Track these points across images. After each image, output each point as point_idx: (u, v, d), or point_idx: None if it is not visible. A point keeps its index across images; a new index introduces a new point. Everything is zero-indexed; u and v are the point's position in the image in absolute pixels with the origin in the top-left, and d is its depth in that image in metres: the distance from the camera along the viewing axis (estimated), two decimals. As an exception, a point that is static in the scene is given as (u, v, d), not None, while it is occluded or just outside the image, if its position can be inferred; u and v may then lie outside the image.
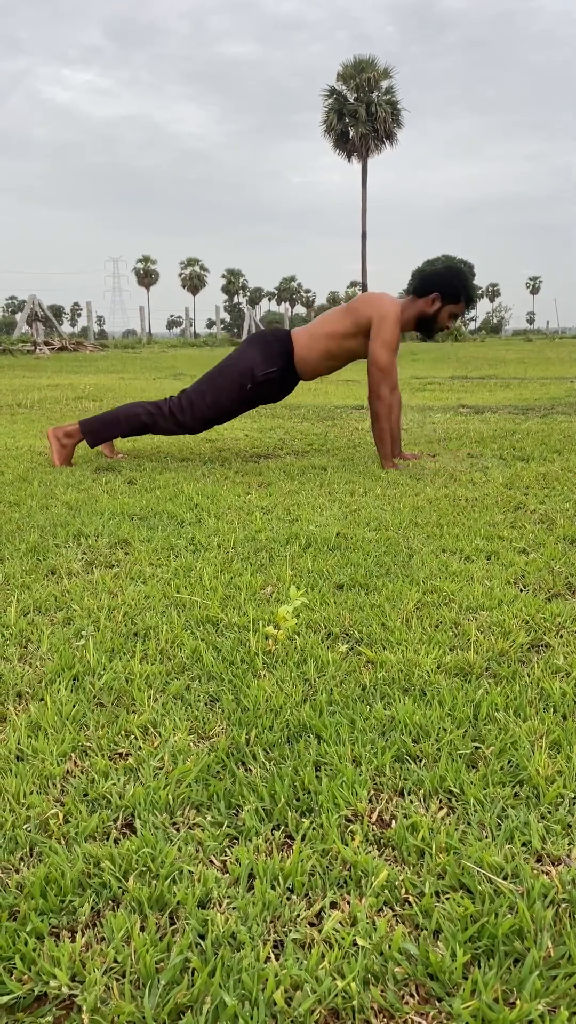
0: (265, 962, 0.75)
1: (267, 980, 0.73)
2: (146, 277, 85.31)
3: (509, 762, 1.09)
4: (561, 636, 1.53)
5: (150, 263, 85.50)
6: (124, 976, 0.74)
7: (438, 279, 3.42)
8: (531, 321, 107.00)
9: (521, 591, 1.79)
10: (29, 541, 2.19)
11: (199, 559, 2.03)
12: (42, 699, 1.28)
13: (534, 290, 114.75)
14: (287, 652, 1.45)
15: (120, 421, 3.48)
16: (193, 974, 0.74)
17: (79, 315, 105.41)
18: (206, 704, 1.27)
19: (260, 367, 3.46)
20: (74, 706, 1.25)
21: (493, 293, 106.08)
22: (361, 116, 38.93)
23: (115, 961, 0.76)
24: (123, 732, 1.18)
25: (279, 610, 1.48)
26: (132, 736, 1.17)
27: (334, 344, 3.46)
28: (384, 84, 39.23)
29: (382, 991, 0.73)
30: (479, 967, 0.76)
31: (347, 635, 1.55)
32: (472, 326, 70.67)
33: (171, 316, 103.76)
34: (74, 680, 1.35)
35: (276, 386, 3.56)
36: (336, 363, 3.55)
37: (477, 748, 1.13)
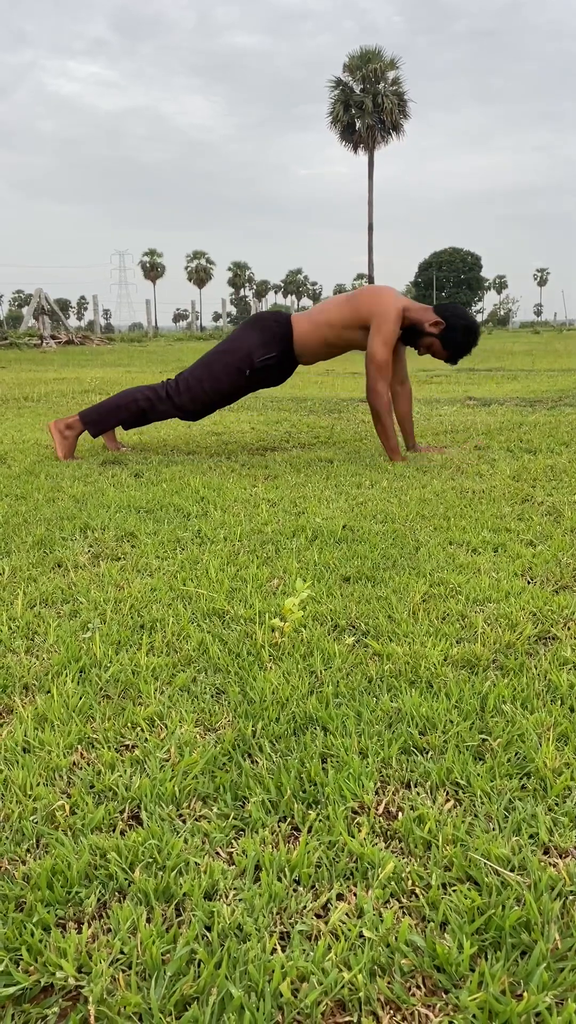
0: (271, 954, 0.75)
1: (273, 972, 0.73)
2: (152, 270, 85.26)
3: (516, 754, 1.09)
4: (568, 628, 1.53)
5: (156, 256, 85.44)
6: (130, 967, 0.74)
7: (457, 320, 3.42)
8: (539, 313, 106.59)
9: (528, 583, 1.79)
10: (36, 534, 2.19)
11: (205, 552, 2.03)
12: (49, 691, 1.28)
13: (542, 282, 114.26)
14: (293, 644, 1.45)
15: (119, 408, 3.48)
16: (199, 965, 0.74)
17: (85, 309, 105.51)
18: (212, 696, 1.27)
19: (259, 352, 3.44)
20: (80, 698, 1.25)
21: (500, 285, 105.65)
22: (367, 107, 38.77)
23: (121, 952, 0.76)
24: (129, 724, 1.18)
25: (285, 602, 1.48)
26: (138, 728, 1.17)
27: (332, 334, 3.45)
28: (391, 75, 39.05)
29: (389, 983, 0.73)
30: (486, 959, 0.75)
31: (353, 627, 1.55)
32: (480, 318, 70.44)
33: (177, 309, 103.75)
34: (80, 672, 1.35)
35: (275, 371, 3.55)
36: (335, 351, 3.55)
37: (484, 740, 1.13)
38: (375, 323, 3.34)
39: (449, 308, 3.46)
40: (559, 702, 1.23)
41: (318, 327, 3.44)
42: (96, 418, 3.48)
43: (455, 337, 3.42)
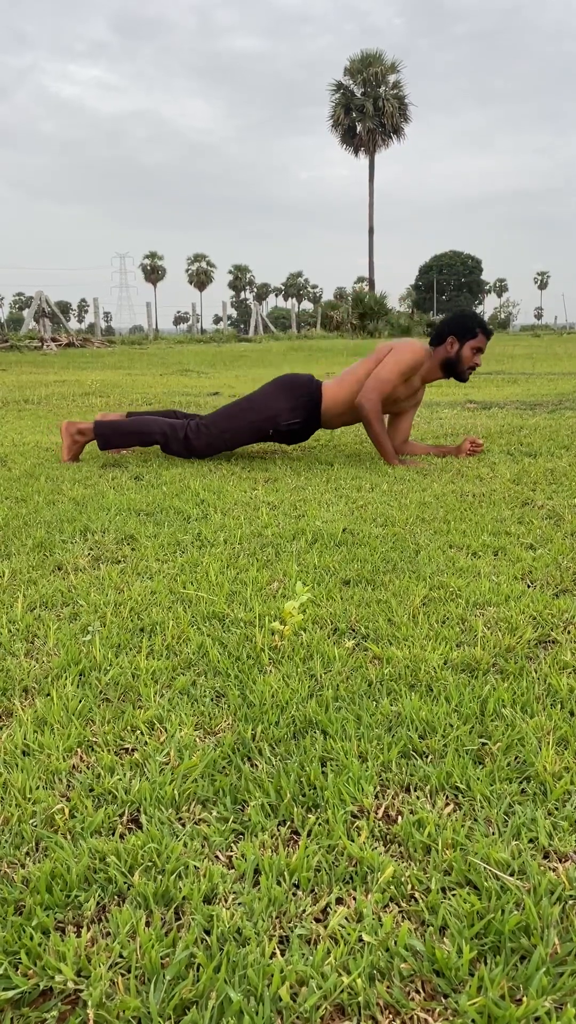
0: (271, 958, 0.75)
1: (272, 976, 0.73)
2: (153, 273, 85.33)
3: (516, 758, 1.09)
4: (568, 632, 1.53)
5: (157, 259, 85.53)
6: (129, 971, 0.74)
7: (449, 323, 3.52)
8: (539, 316, 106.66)
9: (528, 587, 1.79)
10: (36, 537, 2.19)
11: (205, 555, 2.03)
12: (48, 694, 1.28)
13: (542, 285, 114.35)
14: (293, 648, 1.45)
15: (135, 434, 3.49)
16: (198, 969, 0.74)
17: (86, 311, 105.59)
18: (212, 700, 1.27)
19: (285, 417, 3.49)
20: (80, 701, 1.25)
21: (501, 288, 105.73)
22: (368, 111, 38.83)
23: (120, 956, 0.76)
24: (129, 727, 1.18)
25: (285, 605, 1.48)
26: (138, 731, 1.17)
27: (359, 389, 3.47)
28: (391, 78, 39.11)
29: (388, 987, 0.73)
30: (485, 964, 0.75)
31: (353, 631, 1.55)
32: (480, 321, 70.45)
33: (178, 312, 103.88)
34: (80, 675, 1.35)
35: (296, 435, 3.62)
36: (356, 419, 3.59)
37: (484, 744, 1.12)
38: (392, 353, 3.42)
39: (437, 330, 3.54)
40: (559, 706, 1.23)
41: (346, 387, 3.48)
42: (110, 435, 3.47)
43: (467, 326, 3.47)
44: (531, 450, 3.64)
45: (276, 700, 1.25)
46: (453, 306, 74.39)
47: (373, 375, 3.39)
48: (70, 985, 0.73)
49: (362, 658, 1.41)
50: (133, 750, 1.13)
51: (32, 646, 1.48)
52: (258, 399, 3.54)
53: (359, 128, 39.54)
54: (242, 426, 3.49)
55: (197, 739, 1.15)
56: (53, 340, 18.42)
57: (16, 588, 1.79)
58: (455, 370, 3.52)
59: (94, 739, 1.15)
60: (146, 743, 1.13)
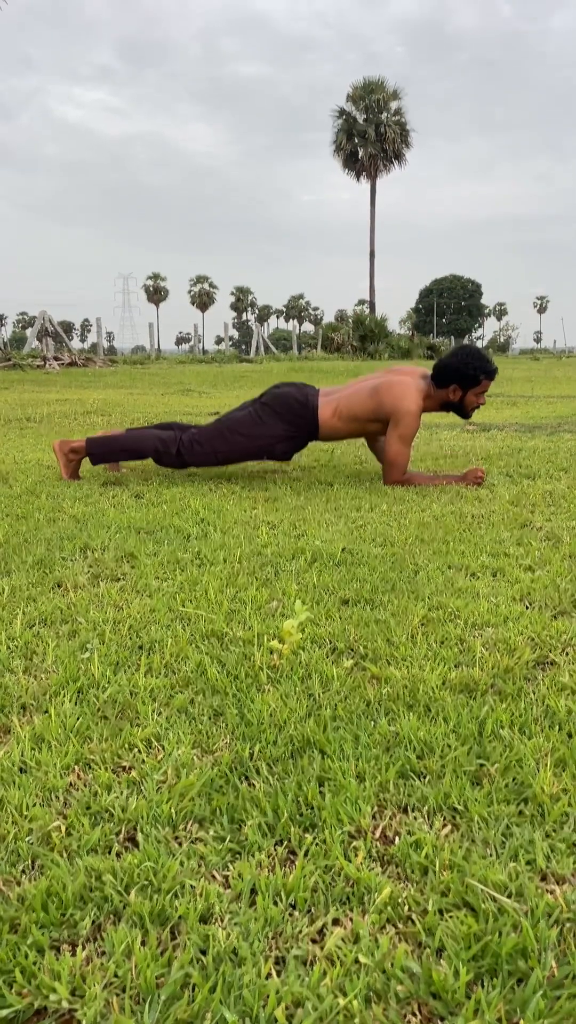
0: (266, 978, 0.75)
1: (268, 997, 0.72)
2: (156, 294, 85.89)
3: (514, 780, 1.09)
4: (567, 654, 1.53)
5: (160, 280, 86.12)
6: (124, 991, 0.74)
7: (453, 371, 3.41)
8: (538, 340, 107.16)
9: (527, 608, 1.79)
10: (36, 554, 2.19)
11: (205, 573, 2.03)
12: (46, 711, 1.28)
13: (541, 309, 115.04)
14: (292, 667, 1.45)
15: (127, 450, 3.50)
16: (194, 989, 0.74)
17: (89, 331, 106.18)
18: (210, 718, 1.27)
19: (280, 442, 3.48)
20: (78, 719, 1.25)
21: (500, 312, 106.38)
22: (370, 137, 39.25)
23: (115, 976, 0.75)
24: (127, 745, 1.18)
25: (284, 624, 1.48)
26: (136, 749, 1.17)
27: (358, 427, 3.50)
28: (393, 105, 39.56)
29: (384, 1009, 0.72)
30: (482, 986, 0.75)
31: (352, 650, 1.55)
32: (479, 345, 70.98)
33: (180, 333, 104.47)
34: (78, 693, 1.35)
35: (290, 453, 3.62)
36: (358, 436, 3.62)
37: (482, 765, 1.12)
38: (394, 420, 3.38)
39: (440, 374, 3.44)
40: (557, 728, 1.23)
41: (345, 422, 3.47)
42: (103, 450, 3.48)
43: (471, 375, 3.39)
44: (530, 472, 3.65)
45: (274, 719, 1.25)
46: (453, 329, 74.78)
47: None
48: (65, 1004, 0.73)
49: (360, 678, 1.41)
50: (131, 768, 1.12)
51: (31, 663, 1.48)
52: (254, 424, 3.47)
53: (361, 153, 39.94)
54: (236, 448, 3.49)
55: (195, 757, 1.14)
56: (55, 359, 18.50)
57: (16, 605, 1.79)
58: (458, 411, 3.51)
59: (92, 757, 1.14)
60: (144, 761, 1.13)
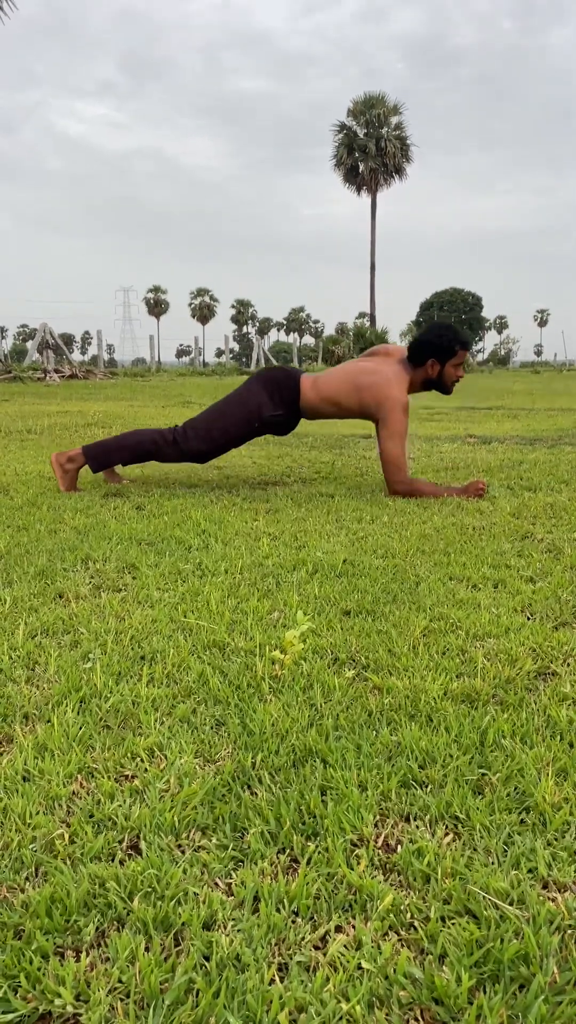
0: (270, 984, 0.75)
1: (271, 1002, 0.73)
2: (156, 307, 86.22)
3: (515, 789, 1.09)
4: (568, 664, 1.53)
5: (160, 293, 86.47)
6: (128, 996, 0.74)
7: (427, 345, 3.48)
8: (539, 353, 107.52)
9: (528, 619, 1.79)
10: (37, 565, 2.20)
11: (206, 584, 2.04)
12: (49, 721, 1.28)
13: (542, 322, 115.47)
14: (293, 677, 1.45)
15: (124, 448, 3.53)
16: (198, 995, 0.74)
17: (89, 343, 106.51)
18: (212, 728, 1.28)
19: (267, 408, 3.56)
20: (80, 728, 1.25)
21: (501, 325, 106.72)
22: (371, 151, 39.51)
23: (120, 981, 0.76)
24: (129, 754, 1.18)
25: (286, 635, 1.48)
26: (138, 758, 1.17)
27: (335, 409, 3.56)
28: (393, 120, 39.85)
29: (387, 1014, 0.73)
30: (484, 992, 0.75)
31: (354, 661, 1.55)
32: (480, 357, 71.09)
33: (180, 345, 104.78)
34: (81, 702, 1.35)
35: (282, 425, 3.69)
36: (339, 416, 3.65)
37: (483, 774, 1.13)
38: (380, 417, 3.43)
39: (416, 351, 3.50)
40: (558, 737, 1.23)
41: (325, 399, 3.53)
42: (99, 455, 3.51)
43: (446, 347, 3.45)
44: (531, 484, 3.66)
45: (276, 729, 1.25)
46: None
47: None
48: (69, 1009, 0.73)
49: (362, 688, 1.42)
50: (133, 777, 1.13)
51: (33, 673, 1.48)
52: (242, 393, 3.61)
53: (362, 168, 40.20)
54: (228, 420, 3.55)
55: (197, 767, 1.15)
56: (56, 371, 18.55)
57: (17, 615, 1.79)
58: (438, 387, 3.55)
59: (94, 765, 1.15)
60: (146, 770, 1.14)
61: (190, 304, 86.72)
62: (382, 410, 3.42)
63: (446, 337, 3.48)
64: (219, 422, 3.55)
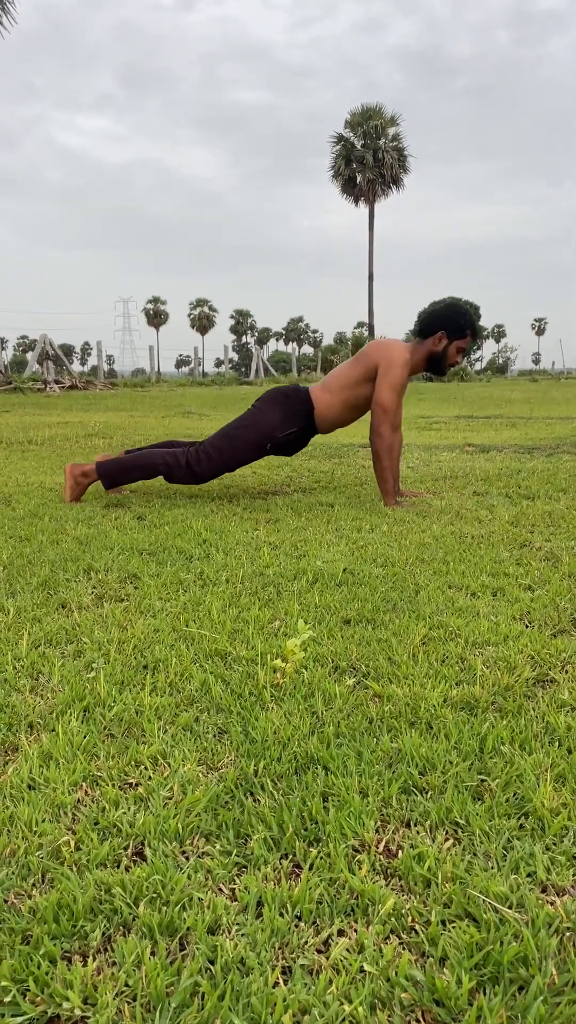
0: (274, 987, 0.77)
1: (275, 1004, 0.74)
2: (156, 317, 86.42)
3: (515, 794, 1.11)
4: (566, 671, 1.55)
5: (160, 303, 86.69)
6: (135, 999, 0.76)
7: (442, 317, 3.54)
8: (537, 362, 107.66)
9: (527, 627, 1.81)
10: (40, 575, 2.22)
11: (208, 593, 2.06)
12: (53, 729, 1.30)
13: (540, 331, 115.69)
14: (295, 685, 1.47)
15: (139, 468, 3.56)
16: (203, 998, 0.76)
17: (89, 354, 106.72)
18: (215, 736, 1.29)
19: (280, 429, 3.59)
20: (85, 737, 1.27)
21: (499, 334, 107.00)
22: (368, 162, 39.69)
23: (126, 985, 0.77)
24: (133, 762, 1.20)
25: (287, 644, 1.50)
26: (142, 766, 1.19)
27: (350, 395, 3.58)
28: (391, 131, 40.04)
29: (389, 1016, 0.74)
30: (484, 993, 0.77)
31: (354, 669, 1.57)
32: (478, 366, 71.21)
33: (180, 355, 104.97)
34: (85, 711, 1.37)
35: (293, 445, 3.72)
36: (356, 413, 3.67)
37: (483, 780, 1.14)
38: (382, 369, 3.47)
39: (428, 320, 3.54)
40: (557, 744, 1.25)
41: (335, 393, 3.58)
42: (113, 473, 3.53)
43: (459, 325, 3.50)
44: (529, 493, 3.68)
45: (278, 736, 1.27)
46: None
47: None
48: (77, 1012, 0.74)
49: (363, 696, 1.43)
50: (137, 784, 1.14)
51: (37, 682, 1.50)
52: (253, 416, 3.63)
53: (359, 178, 40.37)
54: (240, 445, 3.57)
55: (200, 774, 1.16)
56: (56, 382, 18.60)
57: (21, 626, 1.81)
58: (438, 366, 3.58)
59: (99, 773, 1.16)
60: (150, 778, 1.15)
61: (189, 314, 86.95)
62: (384, 363, 3.46)
63: (462, 316, 3.53)
64: (230, 446, 3.57)
